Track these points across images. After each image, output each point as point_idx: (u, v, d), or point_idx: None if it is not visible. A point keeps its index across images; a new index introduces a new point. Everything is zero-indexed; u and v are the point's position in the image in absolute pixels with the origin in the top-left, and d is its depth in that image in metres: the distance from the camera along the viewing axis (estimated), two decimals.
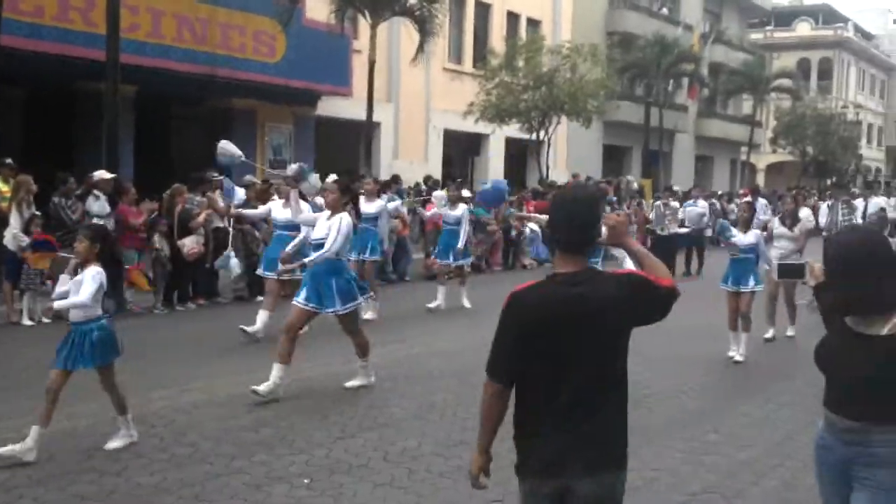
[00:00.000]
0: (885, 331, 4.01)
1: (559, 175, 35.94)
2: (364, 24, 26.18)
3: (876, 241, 4.16)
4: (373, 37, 24.77)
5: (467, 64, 36.07)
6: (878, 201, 21.17)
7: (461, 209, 16.78)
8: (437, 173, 32.14)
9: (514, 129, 32.69)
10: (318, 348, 11.96)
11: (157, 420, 8.74)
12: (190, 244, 15.73)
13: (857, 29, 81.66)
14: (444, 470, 7.52)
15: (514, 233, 24.97)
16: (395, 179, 23.89)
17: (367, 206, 15.15)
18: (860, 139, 71.17)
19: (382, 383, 10.43)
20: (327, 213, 10.09)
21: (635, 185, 30.03)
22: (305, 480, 7.16)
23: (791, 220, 14.10)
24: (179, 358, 11.75)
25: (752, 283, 12.59)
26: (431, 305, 16.38)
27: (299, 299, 9.89)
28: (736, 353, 12.52)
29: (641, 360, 12.27)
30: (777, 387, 11.00)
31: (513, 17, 38.78)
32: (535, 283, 3.98)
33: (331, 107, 28.15)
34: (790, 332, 14.33)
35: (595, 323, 3.87)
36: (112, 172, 16.25)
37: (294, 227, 12.15)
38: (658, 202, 24.33)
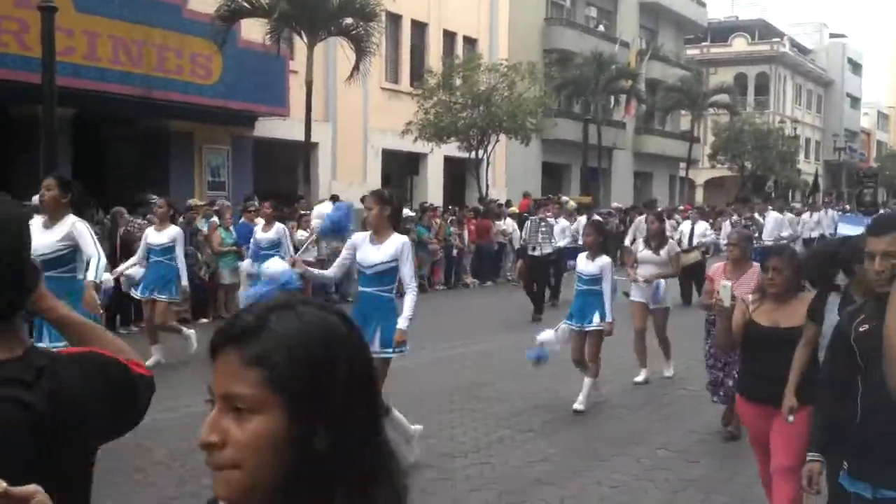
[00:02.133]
0: None
1: (499, 193, 36.16)
2: (300, 44, 26.29)
3: None
4: (309, 57, 24.87)
5: (404, 83, 36.23)
6: (775, 216, 19.29)
7: (275, 230, 14.95)
8: None
9: (452, 148, 32.80)
10: None
11: None
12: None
13: (794, 44, 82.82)
14: None
15: (455, 251, 25.14)
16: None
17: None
18: (798, 154, 72.01)
19: None
20: None
21: (572, 205, 29.97)
22: None
23: (657, 241, 12.58)
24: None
25: (597, 319, 10.52)
26: None
27: None
28: (579, 403, 10.49)
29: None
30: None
31: (449, 36, 38.94)
32: None
33: (268, 128, 28.21)
34: (668, 373, 12.58)
35: (53, 451, 2.03)
36: None
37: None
38: (533, 217, 20.80)
